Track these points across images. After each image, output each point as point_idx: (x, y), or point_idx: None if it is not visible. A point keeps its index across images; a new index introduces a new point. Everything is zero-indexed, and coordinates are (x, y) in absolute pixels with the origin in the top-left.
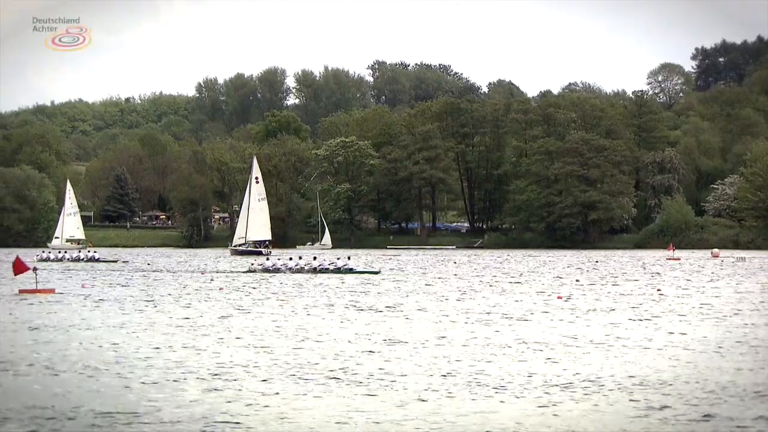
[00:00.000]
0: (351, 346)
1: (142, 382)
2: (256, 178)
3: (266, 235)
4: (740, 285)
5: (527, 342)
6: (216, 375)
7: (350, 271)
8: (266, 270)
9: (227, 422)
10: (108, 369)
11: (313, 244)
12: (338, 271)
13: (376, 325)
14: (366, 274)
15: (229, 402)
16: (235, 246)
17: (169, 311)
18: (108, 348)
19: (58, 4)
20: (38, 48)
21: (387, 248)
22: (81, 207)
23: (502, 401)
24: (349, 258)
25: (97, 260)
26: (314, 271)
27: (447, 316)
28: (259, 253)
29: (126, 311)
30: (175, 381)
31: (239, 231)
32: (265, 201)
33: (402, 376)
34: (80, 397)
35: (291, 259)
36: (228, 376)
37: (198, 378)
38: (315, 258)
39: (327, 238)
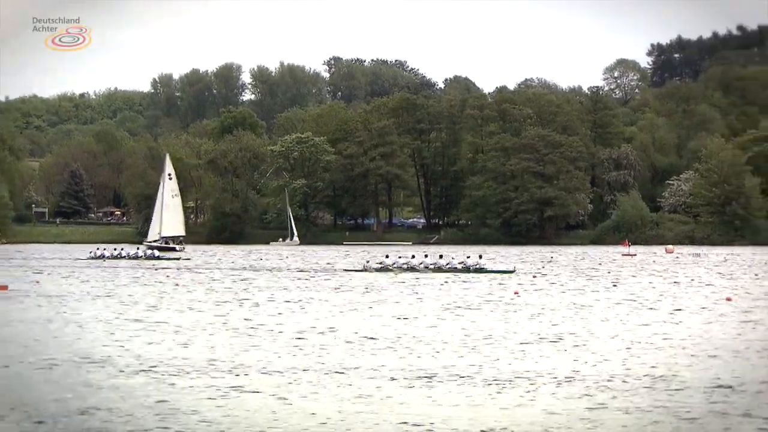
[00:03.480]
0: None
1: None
2: (169, 174)
3: (180, 231)
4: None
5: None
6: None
7: (481, 270)
8: (382, 269)
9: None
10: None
11: (284, 241)
12: (467, 270)
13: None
14: (500, 274)
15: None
16: (149, 242)
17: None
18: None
19: (58, 4)
20: (39, 48)
21: (343, 244)
22: (35, 203)
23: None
24: (480, 257)
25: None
26: (439, 269)
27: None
28: (173, 249)
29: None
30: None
31: (154, 227)
32: (179, 197)
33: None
34: None
35: (414, 257)
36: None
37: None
38: (441, 256)
39: (295, 235)
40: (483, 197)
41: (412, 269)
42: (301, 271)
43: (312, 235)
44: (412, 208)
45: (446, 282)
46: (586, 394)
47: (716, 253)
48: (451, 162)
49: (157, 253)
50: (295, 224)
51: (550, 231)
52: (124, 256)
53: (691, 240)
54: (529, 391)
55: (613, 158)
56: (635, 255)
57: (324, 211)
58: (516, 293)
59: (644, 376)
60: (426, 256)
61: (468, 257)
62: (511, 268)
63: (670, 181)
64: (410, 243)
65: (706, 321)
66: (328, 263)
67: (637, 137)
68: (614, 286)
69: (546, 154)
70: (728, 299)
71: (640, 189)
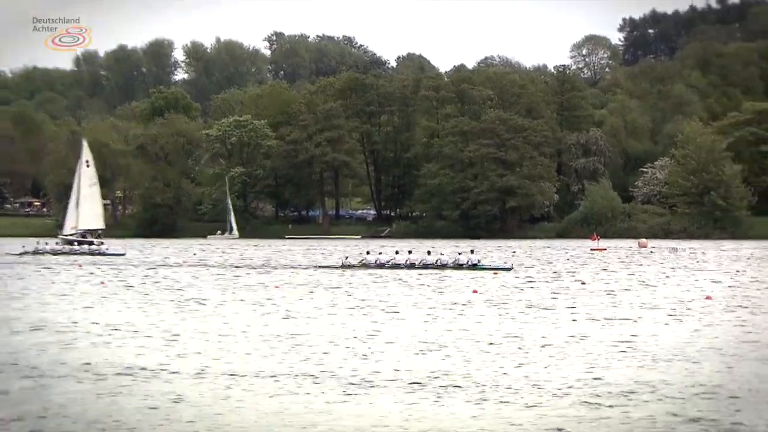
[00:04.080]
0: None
1: None
2: (87, 161)
3: (98, 223)
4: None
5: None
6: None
7: (475, 266)
8: (366, 265)
9: None
10: None
11: (222, 234)
12: (460, 267)
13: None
14: (496, 271)
15: None
16: (65, 235)
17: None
18: None
19: (58, 4)
20: (39, 48)
21: (285, 238)
22: None
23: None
24: (472, 252)
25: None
26: (428, 267)
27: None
28: (90, 243)
29: None
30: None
31: (69, 220)
32: (97, 186)
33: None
34: None
35: (398, 252)
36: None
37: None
38: (429, 252)
39: (234, 228)
40: (439, 186)
41: (395, 266)
42: (254, 268)
43: (252, 228)
44: (362, 199)
45: (437, 278)
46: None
47: (694, 247)
48: (404, 148)
49: (74, 247)
50: (234, 216)
51: (512, 223)
52: (61, 251)
53: (667, 233)
54: (475, 401)
55: (581, 144)
56: (605, 249)
57: (265, 201)
58: (475, 291)
59: (613, 383)
60: (410, 252)
61: (460, 254)
62: (508, 266)
63: (643, 169)
64: (359, 237)
65: (682, 322)
66: (293, 260)
67: (608, 121)
68: (583, 284)
69: (508, 139)
70: (708, 298)
71: (611, 177)
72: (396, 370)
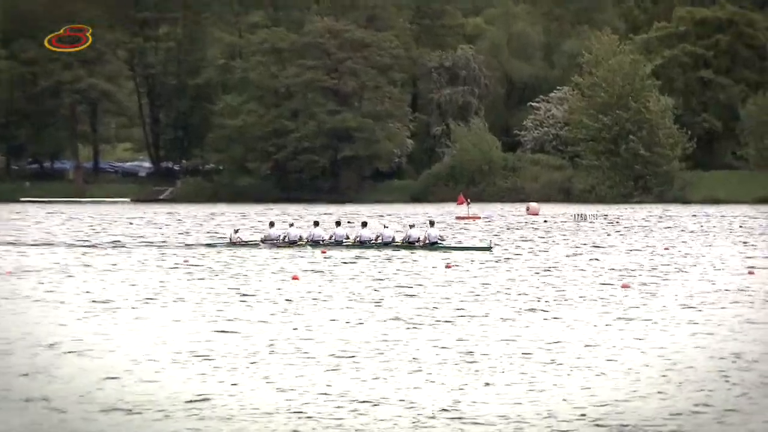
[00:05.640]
0: None
1: None
2: None
3: None
4: None
5: None
6: None
7: (435, 245)
8: (272, 243)
9: None
10: None
11: None
12: (411, 246)
13: None
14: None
15: None
16: None
17: None
18: None
19: None
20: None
21: (20, 201)
22: None
23: None
24: (432, 224)
25: None
26: (365, 245)
27: None
28: None
29: None
30: None
31: None
32: None
33: None
34: None
35: (317, 224)
36: None
37: None
38: (365, 224)
39: None
40: (242, 128)
41: (315, 244)
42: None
43: None
44: (132, 146)
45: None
46: None
47: (608, 215)
48: (193, 72)
49: None
50: None
51: (348, 181)
52: None
53: (568, 194)
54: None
55: (445, 67)
56: (478, 218)
57: None
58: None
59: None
60: (337, 224)
61: (411, 226)
62: (486, 244)
63: (534, 103)
64: (128, 199)
65: (585, 321)
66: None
67: (485, 34)
68: (434, 268)
69: (342, 59)
70: (625, 286)
71: (489, 115)
72: None
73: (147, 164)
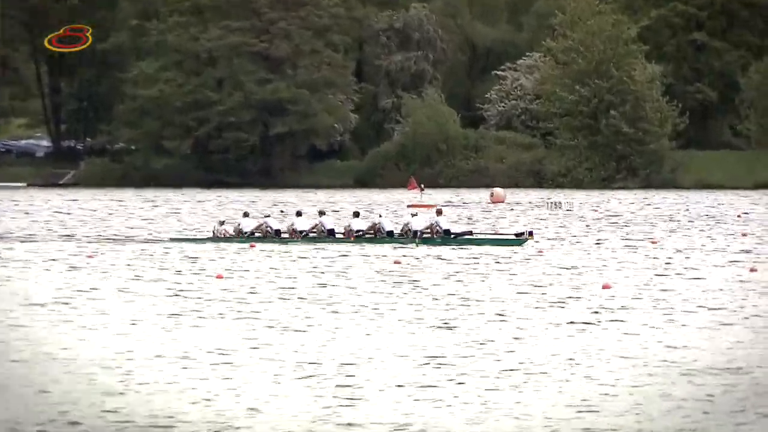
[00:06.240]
0: None
1: None
2: None
3: None
4: None
5: None
6: None
7: (448, 235)
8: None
9: None
10: None
11: None
12: (415, 237)
13: None
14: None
15: None
16: None
17: None
18: None
19: None
20: None
21: None
22: None
23: None
24: (439, 212)
25: None
26: (360, 236)
27: None
28: None
29: None
30: None
31: None
32: None
33: None
34: None
35: (300, 215)
36: None
37: None
38: (357, 214)
39: None
40: (158, 100)
41: (292, 235)
42: None
43: None
44: (28, 120)
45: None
46: None
47: (585, 202)
48: (99, 35)
49: None
50: None
51: (281, 162)
52: None
53: (539, 178)
54: None
55: (395, 29)
56: (433, 207)
57: None
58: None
59: None
60: (321, 213)
61: (414, 215)
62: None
63: (499, 72)
64: (23, 184)
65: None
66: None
67: None
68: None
69: (274, 19)
70: (606, 287)
71: (446, 86)
72: None
73: (45, 143)
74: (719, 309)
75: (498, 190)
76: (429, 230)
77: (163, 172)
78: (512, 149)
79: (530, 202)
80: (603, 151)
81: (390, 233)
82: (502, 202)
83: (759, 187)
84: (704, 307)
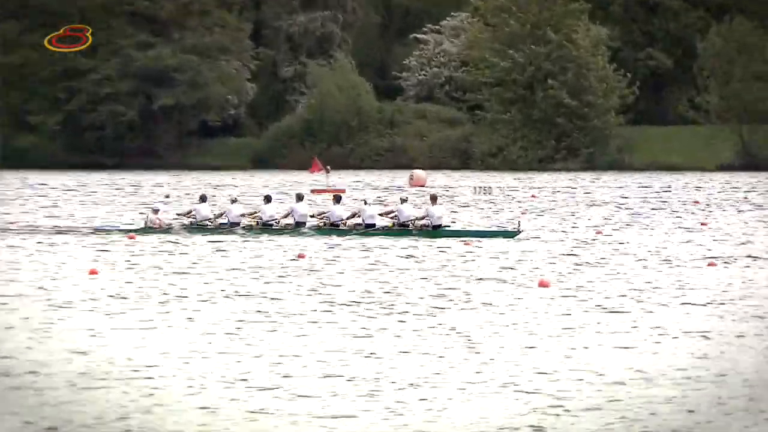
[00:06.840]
0: None
1: None
2: None
3: None
4: None
5: None
6: None
7: (439, 229)
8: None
9: None
10: None
11: None
12: (405, 228)
13: None
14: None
15: None
16: None
17: None
18: None
19: None
20: None
21: None
22: None
23: None
24: (434, 199)
25: None
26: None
27: None
28: None
29: None
30: None
31: None
32: None
33: None
34: None
35: (301, 199)
36: None
37: None
38: (367, 203)
39: None
40: (21, 68)
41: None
42: None
43: None
44: None
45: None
46: None
47: (518, 187)
48: None
49: None
50: None
51: (167, 140)
52: None
53: (466, 158)
54: None
55: None
56: (343, 192)
57: None
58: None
59: None
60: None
61: (404, 200)
62: (515, 228)
63: (419, 35)
64: None
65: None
66: None
67: None
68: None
69: None
70: (543, 284)
71: (358, 51)
72: None
73: None
74: (668, 308)
75: (418, 172)
76: (424, 219)
77: (27, 153)
78: (434, 125)
79: (452, 187)
80: (540, 128)
81: (372, 225)
82: (423, 185)
83: (721, 169)
84: (652, 311)
